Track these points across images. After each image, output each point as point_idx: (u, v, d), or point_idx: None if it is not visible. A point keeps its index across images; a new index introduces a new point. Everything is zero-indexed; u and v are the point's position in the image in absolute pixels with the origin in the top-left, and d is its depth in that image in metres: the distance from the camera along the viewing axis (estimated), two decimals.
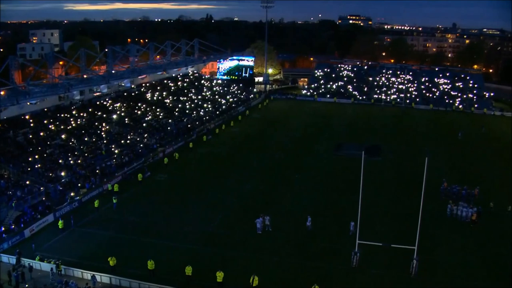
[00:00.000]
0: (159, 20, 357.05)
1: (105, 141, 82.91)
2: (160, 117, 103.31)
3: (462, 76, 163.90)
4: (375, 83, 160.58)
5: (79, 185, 67.88)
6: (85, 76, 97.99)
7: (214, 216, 61.65)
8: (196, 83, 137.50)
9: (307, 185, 73.76)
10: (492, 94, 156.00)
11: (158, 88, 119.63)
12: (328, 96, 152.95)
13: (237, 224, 59.42)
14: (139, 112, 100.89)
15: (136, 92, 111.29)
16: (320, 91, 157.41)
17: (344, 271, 48.84)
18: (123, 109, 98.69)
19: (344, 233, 56.01)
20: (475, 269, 50.21)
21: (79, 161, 73.43)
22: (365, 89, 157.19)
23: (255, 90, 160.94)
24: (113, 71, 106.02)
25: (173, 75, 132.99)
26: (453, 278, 48.31)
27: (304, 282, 45.56)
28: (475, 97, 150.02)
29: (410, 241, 47.90)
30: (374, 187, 68.47)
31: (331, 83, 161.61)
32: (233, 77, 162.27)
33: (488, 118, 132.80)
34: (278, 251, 52.82)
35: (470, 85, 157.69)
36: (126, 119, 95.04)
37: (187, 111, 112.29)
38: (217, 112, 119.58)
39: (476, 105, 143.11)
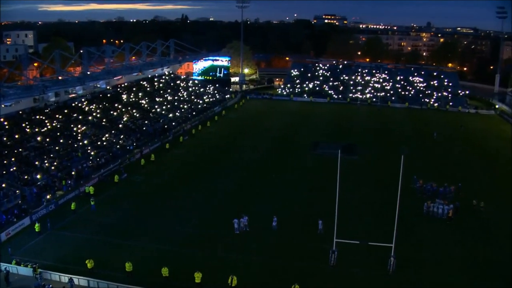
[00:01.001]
0: (134, 20, 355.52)
1: (81, 143, 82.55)
2: (136, 118, 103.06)
3: (437, 74, 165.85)
4: (351, 82, 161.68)
5: (56, 187, 67.59)
6: (60, 77, 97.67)
7: (191, 216, 61.90)
8: (172, 84, 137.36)
9: (285, 185, 74.19)
10: (466, 92, 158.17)
11: (134, 89, 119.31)
12: (304, 95, 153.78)
13: (214, 224, 59.68)
14: (115, 114, 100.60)
15: (112, 93, 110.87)
16: (296, 90, 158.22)
17: (323, 270, 49.44)
18: (98, 111, 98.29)
19: (321, 232, 56.40)
20: (452, 265, 51.29)
21: (55, 164, 73.06)
22: (341, 88, 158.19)
23: (231, 90, 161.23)
24: (88, 73, 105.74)
25: (149, 76, 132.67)
26: (430, 274, 49.33)
27: (283, 281, 46.05)
28: (450, 95, 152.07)
29: (387, 239, 48.66)
30: (351, 185, 69.28)
31: (307, 82, 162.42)
32: (208, 77, 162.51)
33: (463, 116, 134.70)
34: (256, 251, 53.24)
35: (445, 83, 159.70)
36: (102, 121, 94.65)
37: (163, 112, 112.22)
38: (194, 113, 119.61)
39: (451, 103, 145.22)
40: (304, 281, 45.80)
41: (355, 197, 67.67)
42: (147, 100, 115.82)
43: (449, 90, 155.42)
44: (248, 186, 73.60)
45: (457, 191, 69.83)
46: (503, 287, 47.53)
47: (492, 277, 49.06)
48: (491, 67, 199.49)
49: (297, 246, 54.46)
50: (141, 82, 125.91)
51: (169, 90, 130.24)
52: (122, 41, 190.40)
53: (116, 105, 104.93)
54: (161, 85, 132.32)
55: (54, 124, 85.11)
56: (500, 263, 51.77)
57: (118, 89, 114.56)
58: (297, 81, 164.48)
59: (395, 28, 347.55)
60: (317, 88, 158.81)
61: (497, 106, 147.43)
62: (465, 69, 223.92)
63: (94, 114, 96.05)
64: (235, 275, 44.96)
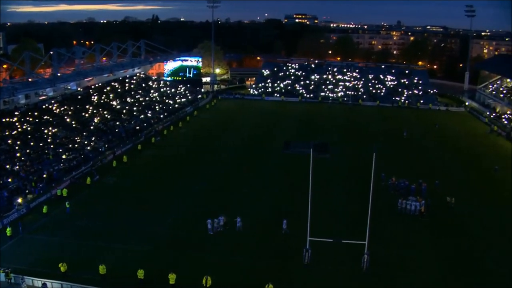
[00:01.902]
0: (105, 21, 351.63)
1: (52, 146, 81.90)
2: (108, 119, 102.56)
3: (407, 72, 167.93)
4: (322, 81, 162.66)
5: (27, 191, 67.02)
6: (30, 79, 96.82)
7: (165, 217, 61.96)
8: (143, 85, 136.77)
9: (257, 185, 74.71)
10: (436, 90, 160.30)
11: (105, 90, 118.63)
12: (276, 95, 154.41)
13: (188, 225, 59.90)
14: (86, 115, 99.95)
15: (83, 95, 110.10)
16: (268, 90, 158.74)
17: (297, 269, 49.97)
18: (69, 113, 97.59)
19: (294, 231, 56.54)
20: (426, 261, 52.31)
21: (25, 167, 72.43)
22: (312, 87, 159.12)
23: (202, 90, 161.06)
24: (58, 74, 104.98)
25: (120, 77, 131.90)
26: (404, 271, 50.26)
27: (258, 281, 46.30)
28: (420, 93, 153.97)
29: (361, 236, 49.26)
30: (324, 184, 70.17)
31: (278, 82, 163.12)
32: (178, 77, 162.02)
33: (433, 113, 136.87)
34: (230, 251, 53.58)
35: (415, 81, 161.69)
36: (73, 123, 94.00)
37: (134, 113, 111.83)
38: (165, 114, 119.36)
39: (421, 101, 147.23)
40: (278, 280, 46.19)
41: (328, 195, 68.34)
42: (118, 102, 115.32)
43: (420, 88, 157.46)
44: (222, 186, 73.80)
45: (433, 188, 71.22)
46: (475, 282, 48.50)
47: (464, 272, 50.25)
48: (461, 65, 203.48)
49: (272, 246, 54.96)
50: (112, 83, 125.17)
51: (140, 91, 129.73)
52: (92, 42, 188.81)
53: (87, 106, 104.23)
54: (132, 86, 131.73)
55: (24, 127, 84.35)
56: (471, 258, 53.29)
57: (89, 91, 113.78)
58: (269, 80, 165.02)
59: (365, 27, 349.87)
60: (289, 88, 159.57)
61: (467, 103, 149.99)
62: (435, 67, 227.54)
63: (65, 116, 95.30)
64: (210, 276, 45.19)
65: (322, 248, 51.19)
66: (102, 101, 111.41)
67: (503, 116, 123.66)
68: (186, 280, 46.23)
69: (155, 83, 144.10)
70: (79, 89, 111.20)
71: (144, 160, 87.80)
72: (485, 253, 54.58)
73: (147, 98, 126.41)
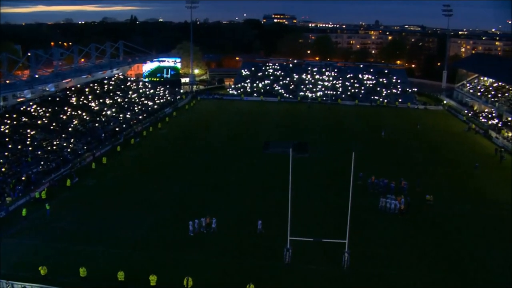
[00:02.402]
0: (83, 22, 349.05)
1: (30, 148, 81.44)
2: (87, 121, 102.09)
3: (386, 71, 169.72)
4: (301, 81, 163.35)
5: (5, 194, 66.62)
6: (7, 81, 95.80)
7: (145, 219, 62.03)
8: (122, 86, 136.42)
9: (238, 185, 75.06)
10: (415, 89, 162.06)
11: (84, 91, 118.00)
12: (255, 95, 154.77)
13: (169, 227, 60.04)
14: (64, 117, 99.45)
15: (61, 97, 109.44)
16: (247, 90, 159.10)
17: (278, 269, 50.41)
18: (48, 115, 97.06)
19: (275, 230, 56.88)
20: (405, 259, 53.35)
21: (3, 169, 71.96)
22: (291, 87, 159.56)
23: (181, 91, 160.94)
24: (36, 76, 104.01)
25: (99, 78, 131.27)
26: (385, 268, 51.02)
27: (239, 281, 46.78)
28: (399, 92, 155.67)
29: (341, 235, 49.87)
30: (305, 183, 70.85)
31: (257, 82, 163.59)
32: (155, 78, 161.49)
33: (412, 112, 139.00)
34: (211, 252, 53.83)
35: (394, 80, 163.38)
36: (52, 125, 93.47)
37: (113, 114, 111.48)
38: (144, 115, 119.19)
39: (400, 100, 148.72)
40: (259, 280, 46.61)
41: (308, 194, 68.89)
42: (97, 103, 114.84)
43: (398, 87, 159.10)
44: (202, 187, 73.89)
45: (414, 187, 72.28)
46: (454, 279, 49.46)
47: (443, 269, 51.25)
48: (438, 64, 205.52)
49: (252, 246, 55.37)
50: (91, 85, 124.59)
51: (119, 92, 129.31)
52: (70, 43, 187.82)
53: (65, 108, 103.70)
54: (111, 87, 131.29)
55: (2, 129, 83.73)
56: (450, 255, 54.43)
57: (68, 92, 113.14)
58: (248, 80, 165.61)
59: (344, 26, 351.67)
60: (268, 88, 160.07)
61: (445, 102, 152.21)
62: (413, 66, 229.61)
63: (43, 118, 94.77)
64: (191, 277, 45.45)
65: (302, 247, 51.71)
66: (80, 103, 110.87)
67: (480, 114, 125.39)
68: (167, 282, 46.42)
69: (134, 84, 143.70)
70: (57, 91, 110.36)
71: (123, 161, 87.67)
72: (463, 250, 55.70)
73: (126, 99, 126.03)
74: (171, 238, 57.08)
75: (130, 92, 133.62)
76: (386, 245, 56.35)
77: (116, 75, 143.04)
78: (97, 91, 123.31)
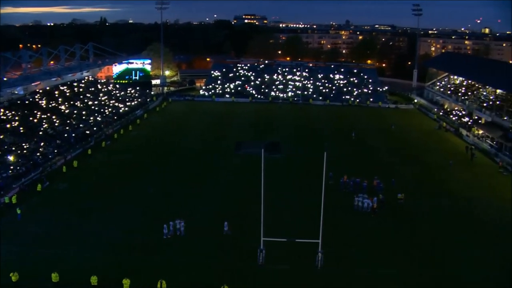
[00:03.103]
0: (52, 24, 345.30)
1: None
2: (56, 124, 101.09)
3: (357, 71, 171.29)
4: (272, 81, 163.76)
5: None
6: None
7: (118, 222, 61.84)
8: (92, 88, 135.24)
9: (210, 186, 75.17)
10: (386, 88, 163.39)
11: (53, 94, 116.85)
12: (226, 96, 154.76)
13: (141, 230, 59.86)
14: (34, 120, 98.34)
15: (30, 100, 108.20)
16: (218, 91, 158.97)
17: (251, 269, 50.70)
18: (17, 118, 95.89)
19: (247, 231, 57.19)
20: (379, 257, 54.10)
21: None
22: (263, 87, 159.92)
23: (152, 92, 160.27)
24: (4, 79, 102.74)
25: (68, 81, 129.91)
26: (358, 267, 51.62)
27: (213, 283, 46.97)
28: (370, 91, 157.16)
29: (314, 235, 50.30)
30: (277, 183, 71.07)
31: (228, 83, 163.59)
32: (123, 81, 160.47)
33: (383, 111, 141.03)
34: (185, 255, 53.94)
35: (365, 79, 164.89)
36: (21, 128, 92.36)
37: (84, 117, 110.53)
38: (115, 117, 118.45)
39: (371, 99, 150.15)
40: (233, 281, 46.74)
41: (281, 195, 69.02)
42: (67, 106, 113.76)
43: (369, 86, 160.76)
44: (174, 189, 73.91)
45: (389, 186, 73.16)
46: (426, 275, 50.32)
47: (416, 266, 52.24)
48: (409, 63, 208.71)
49: (226, 247, 55.58)
50: (61, 87, 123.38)
51: (89, 95, 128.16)
52: (39, 45, 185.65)
53: (35, 111, 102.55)
54: (81, 89, 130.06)
55: None
56: (423, 252, 55.39)
57: (37, 95, 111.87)
58: (219, 81, 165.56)
59: (314, 26, 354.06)
60: (239, 88, 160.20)
61: (415, 101, 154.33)
62: (384, 65, 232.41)
63: (12, 121, 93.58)
64: (164, 280, 45.39)
65: (276, 248, 51.92)
66: (50, 106, 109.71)
67: (451, 113, 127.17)
68: (140, 285, 46.32)
69: (104, 86, 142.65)
70: (26, 94, 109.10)
71: (95, 164, 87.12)
72: (437, 246, 56.62)
73: (96, 102, 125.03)
74: (144, 241, 56.88)
75: (101, 95, 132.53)
76: (359, 243, 57.06)
77: (86, 78, 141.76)
78: (67, 94, 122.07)
